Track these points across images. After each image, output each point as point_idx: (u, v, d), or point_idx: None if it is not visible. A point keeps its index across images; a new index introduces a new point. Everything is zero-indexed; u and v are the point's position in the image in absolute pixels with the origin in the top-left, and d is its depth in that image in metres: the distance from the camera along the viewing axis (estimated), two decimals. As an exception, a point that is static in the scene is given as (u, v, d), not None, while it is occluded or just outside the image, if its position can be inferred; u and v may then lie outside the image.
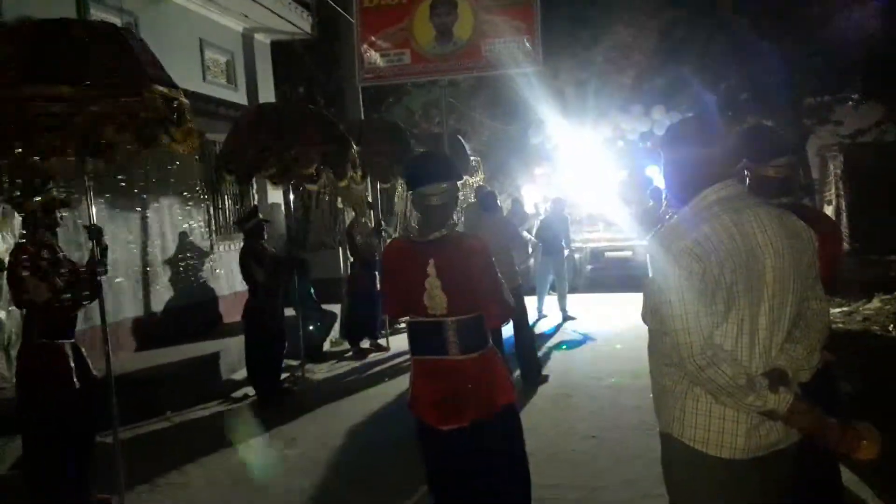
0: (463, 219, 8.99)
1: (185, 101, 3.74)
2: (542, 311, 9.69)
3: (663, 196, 9.72)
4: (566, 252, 9.93)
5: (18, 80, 3.28)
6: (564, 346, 7.95)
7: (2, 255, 5.47)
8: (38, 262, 3.78)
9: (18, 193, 3.97)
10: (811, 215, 2.47)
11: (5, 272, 5.41)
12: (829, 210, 13.08)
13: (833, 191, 13.76)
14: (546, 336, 8.56)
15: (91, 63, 3.34)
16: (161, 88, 3.53)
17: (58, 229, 4.03)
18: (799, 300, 1.95)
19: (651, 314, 1.99)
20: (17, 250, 3.91)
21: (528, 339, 6.46)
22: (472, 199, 10.16)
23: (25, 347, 3.98)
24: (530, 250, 9.26)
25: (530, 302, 8.13)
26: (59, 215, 3.97)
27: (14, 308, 5.51)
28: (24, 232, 3.96)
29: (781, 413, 1.83)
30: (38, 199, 3.84)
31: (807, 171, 11.36)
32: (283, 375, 6.56)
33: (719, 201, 1.94)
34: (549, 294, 9.85)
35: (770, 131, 3.25)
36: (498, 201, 7.20)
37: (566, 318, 9.50)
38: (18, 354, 4.03)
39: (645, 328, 2.07)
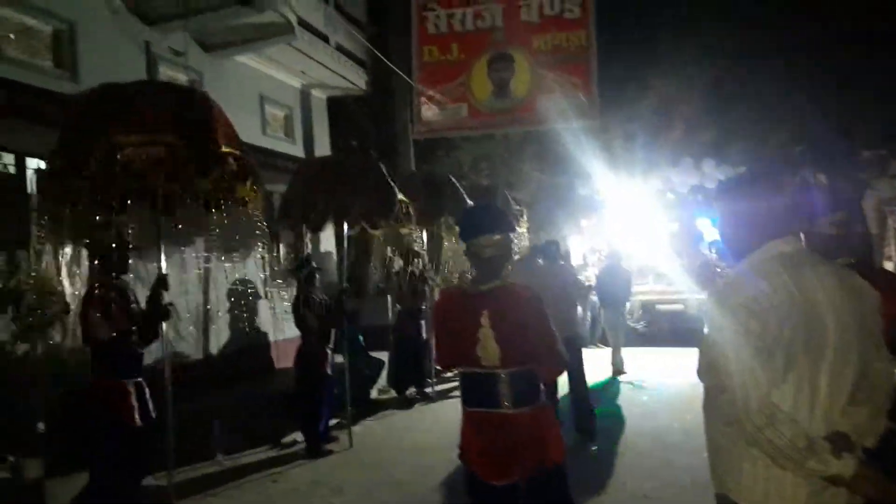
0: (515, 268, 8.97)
1: (251, 161, 3.96)
2: (621, 366, 9.44)
3: (713, 250, 9.60)
4: (627, 306, 9.78)
5: (102, 131, 3.53)
6: (616, 403, 7.78)
7: (69, 297, 5.74)
8: (106, 302, 3.98)
9: (90, 239, 4.19)
10: (872, 273, 2.42)
11: (71, 312, 5.70)
12: (889, 266, 12.63)
13: (893, 246, 13.31)
14: (598, 389, 8.40)
15: (169, 118, 3.58)
16: (231, 149, 3.76)
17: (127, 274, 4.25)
18: (862, 361, 1.90)
19: (707, 370, 1.96)
20: (88, 290, 4.13)
21: (583, 391, 6.34)
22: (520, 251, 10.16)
23: (91, 385, 4.15)
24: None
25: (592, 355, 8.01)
26: (129, 259, 4.18)
27: (79, 348, 5.77)
28: (97, 273, 4.18)
29: (846, 479, 1.76)
30: (111, 243, 4.07)
31: (865, 226, 11.04)
32: (332, 422, 6.60)
33: (778, 257, 1.92)
34: (598, 347, 9.67)
35: (826, 186, 3.22)
36: (560, 250, 7.08)
37: (619, 371, 9.33)
38: (85, 392, 4.21)
39: (697, 384, 2.04)
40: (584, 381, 6.35)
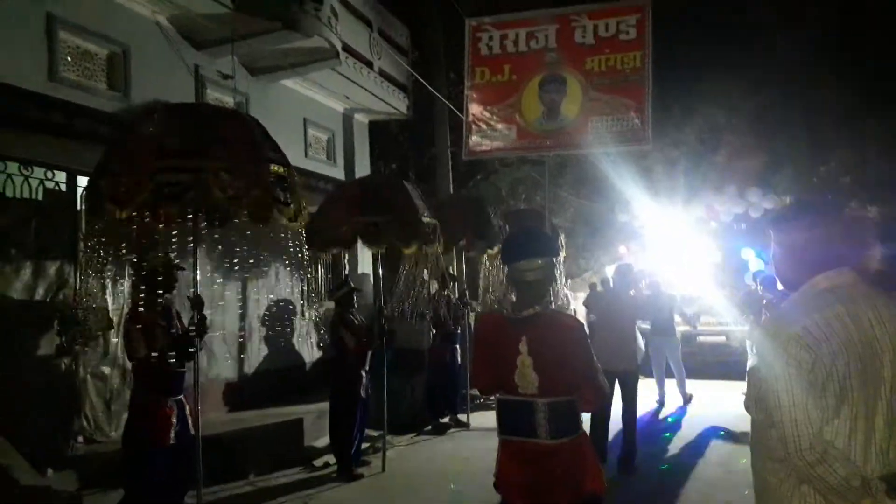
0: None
1: (295, 179, 4.02)
2: (663, 399, 9.25)
3: (758, 281, 9.32)
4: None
5: (153, 154, 3.61)
6: (657, 435, 7.56)
7: (112, 313, 5.86)
8: (146, 320, 4.04)
9: (136, 257, 4.28)
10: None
11: (114, 329, 5.82)
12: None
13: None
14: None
15: (214, 140, 3.65)
16: (275, 168, 3.83)
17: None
18: (921, 398, 1.82)
19: (756, 404, 1.89)
20: (131, 307, 4.22)
21: (632, 426, 6.17)
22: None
23: (130, 401, 4.21)
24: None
25: (646, 387, 7.80)
26: (174, 278, 4.25)
27: (120, 364, 5.88)
28: (139, 292, 4.25)
29: (904, 522, 1.68)
30: (156, 260, 4.15)
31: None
32: (365, 446, 6.56)
33: (832, 289, 1.86)
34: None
35: (876, 218, 3.10)
36: (630, 277, 6.55)
37: (688, 400, 9.15)
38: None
39: (740, 418, 1.97)
40: (635, 416, 6.20)
